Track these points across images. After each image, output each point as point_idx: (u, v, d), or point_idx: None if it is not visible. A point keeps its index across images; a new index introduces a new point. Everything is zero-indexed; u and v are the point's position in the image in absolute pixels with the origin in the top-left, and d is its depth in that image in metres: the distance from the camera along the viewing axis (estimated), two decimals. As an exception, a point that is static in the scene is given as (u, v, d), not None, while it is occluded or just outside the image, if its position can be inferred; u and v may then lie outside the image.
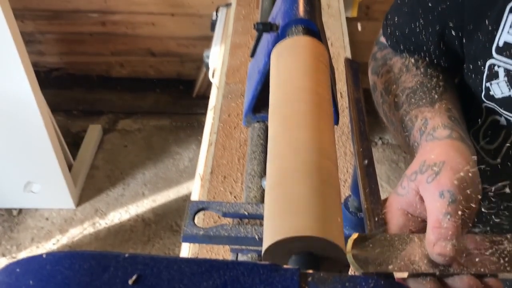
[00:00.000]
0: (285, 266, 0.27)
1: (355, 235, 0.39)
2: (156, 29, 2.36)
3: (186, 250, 0.83)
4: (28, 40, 2.32)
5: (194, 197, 0.93)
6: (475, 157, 0.47)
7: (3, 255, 1.90)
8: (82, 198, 2.10)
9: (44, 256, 0.26)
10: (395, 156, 2.33)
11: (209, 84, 2.14)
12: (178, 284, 0.25)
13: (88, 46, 2.44)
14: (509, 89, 0.55)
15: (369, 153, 0.48)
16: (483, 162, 0.62)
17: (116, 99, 2.56)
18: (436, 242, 0.39)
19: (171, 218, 2.05)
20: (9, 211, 2.04)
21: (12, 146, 1.82)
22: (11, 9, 1.54)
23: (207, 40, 1.97)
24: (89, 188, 2.15)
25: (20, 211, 2.04)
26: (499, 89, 0.56)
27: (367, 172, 0.47)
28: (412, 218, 0.44)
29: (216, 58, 1.35)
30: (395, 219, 0.44)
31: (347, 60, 0.58)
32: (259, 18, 0.74)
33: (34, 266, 0.25)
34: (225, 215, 0.50)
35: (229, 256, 0.52)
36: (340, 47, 1.30)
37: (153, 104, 2.57)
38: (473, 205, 0.43)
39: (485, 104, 0.60)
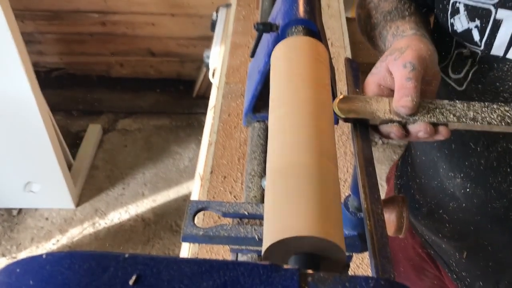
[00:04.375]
0: (285, 266, 0.27)
1: (341, 95, 0.50)
2: (156, 29, 2.36)
3: (186, 250, 0.83)
4: (28, 40, 2.32)
5: (194, 197, 0.93)
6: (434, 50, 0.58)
7: (3, 255, 1.90)
8: (82, 198, 2.10)
9: (44, 256, 0.26)
10: (395, 156, 2.33)
11: (209, 84, 2.15)
12: (178, 284, 0.25)
13: (88, 46, 2.44)
14: (468, 22, 0.64)
15: (369, 152, 0.48)
16: (451, 89, 0.72)
17: (116, 99, 2.57)
18: (400, 98, 0.50)
19: (171, 218, 2.05)
20: (9, 211, 2.04)
21: (12, 146, 1.82)
22: (11, 9, 1.54)
23: (207, 40, 1.97)
24: (89, 188, 2.15)
25: (20, 211, 2.04)
26: (460, 23, 0.66)
27: (367, 172, 0.47)
28: (384, 89, 0.55)
29: (216, 58, 1.35)
30: (370, 90, 0.55)
31: (347, 60, 0.59)
32: (259, 18, 0.74)
33: (34, 266, 0.25)
34: (225, 215, 0.50)
35: (229, 256, 0.52)
36: (340, 47, 1.30)
37: (153, 104, 2.57)
38: (433, 81, 0.54)
39: (453, 39, 0.69)
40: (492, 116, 0.50)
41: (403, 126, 0.51)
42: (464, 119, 0.50)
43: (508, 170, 0.69)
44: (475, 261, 0.82)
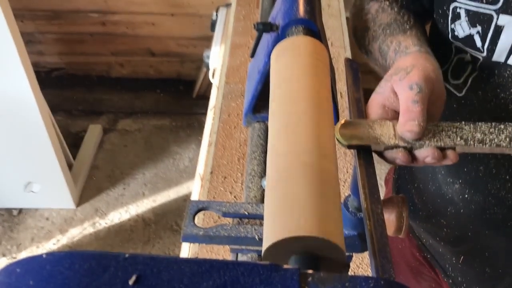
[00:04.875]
0: (285, 266, 0.27)
1: (342, 120, 0.49)
2: (156, 29, 2.36)
3: (186, 250, 0.83)
4: (28, 40, 2.32)
5: (194, 197, 0.93)
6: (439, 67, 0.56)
7: (3, 255, 1.90)
8: (82, 198, 2.10)
9: (44, 256, 0.26)
10: (395, 156, 2.33)
11: (209, 84, 2.15)
12: (178, 284, 0.25)
13: (88, 46, 2.44)
14: (469, 28, 0.63)
15: (369, 153, 0.48)
16: (450, 95, 0.71)
17: (116, 99, 2.57)
18: (405, 123, 0.48)
19: (171, 218, 2.05)
20: (9, 211, 2.04)
21: (12, 146, 1.82)
22: (11, 9, 1.54)
23: (207, 40, 1.97)
24: (89, 188, 2.15)
25: (20, 211, 2.04)
26: (461, 29, 0.65)
27: (367, 172, 0.47)
28: (388, 110, 0.52)
29: (216, 58, 1.35)
30: (374, 112, 0.53)
31: (347, 60, 0.59)
32: (259, 18, 0.74)
33: (34, 266, 0.25)
34: (225, 215, 0.50)
35: (229, 256, 0.52)
36: (340, 47, 1.30)
37: (153, 104, 2.57)
38: (438, 102, 0.53)
39: (453, 45, 0.69)
40: (500, 138, 0.48)
41: (409, 151, 0.49)
42: (472, 142, 0.48)
43: (507, 177, 0.68)
44: (472, 266, 0.81)
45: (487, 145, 0.48)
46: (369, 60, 0.72)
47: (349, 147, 0.48)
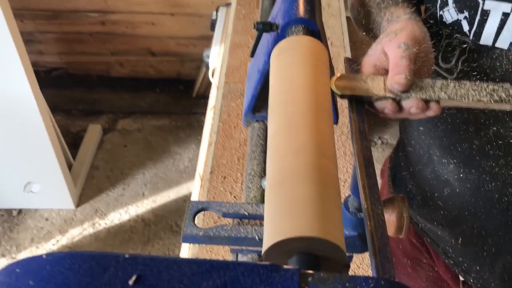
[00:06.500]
0: (285, 266, 0.27)
1: (338, 74, 0.53)
2: (156, 28, 2.36)
3: (186, 251, 0.83)
4: (28, 40, 2.32)
5: (194, 197, 0.93)
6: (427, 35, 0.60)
7: (3, 256, 1.90)
8: (82, 198, 2.10)
9: (44, 256, 0.26)
10: (395, 156, 2.33)
11: (209, 84, 2.14)
12: (178, 284, 0.25)
13: (88, 46, 2.44)
14: (457, 14, 0.67)
15: (368, 153, 0.48)
16: (441, 78, 0.73)
17: (116, 99, 2.56)
18: (394, 76, 0.52)
19: (171, 219, 2.05)
20: (8, 211, 2.04)
21: (12, 146, 1.82)
22: (10, 8, 1.54)
23: (207, 40, 1.97)
24: (89, 188, 2.15)
25: (19, 211, 2.04)
26: (449, 15, 0.68)
27: (367, 172, 0.46)
28: (379, 69, 0.57)
29: (216, 57, 1.35)
30: (366, 71, 0.57)
31: (347, 60, 0.59)
32: (259, 17, 0.74)
33: (34, 267, 0.25)
34: (225, 215, 0.50)
35: (229, 257, 0.52)
36: (340, 47, 1.30)
37: (153, 104, 2.57)
38: (426, 60, 0.57)
39: (442, 30, 0.71)
40: (482, 94, 0.53)
41: (397, 103, 0.54)
42: (454, 96, 0.53)
43: (500, 153, 0.70)
44: (470, 246, 0.83)
45: (468, 100, 0.53)
46: (365, 34, 0.76)
47: (342, 96, 0.52)
